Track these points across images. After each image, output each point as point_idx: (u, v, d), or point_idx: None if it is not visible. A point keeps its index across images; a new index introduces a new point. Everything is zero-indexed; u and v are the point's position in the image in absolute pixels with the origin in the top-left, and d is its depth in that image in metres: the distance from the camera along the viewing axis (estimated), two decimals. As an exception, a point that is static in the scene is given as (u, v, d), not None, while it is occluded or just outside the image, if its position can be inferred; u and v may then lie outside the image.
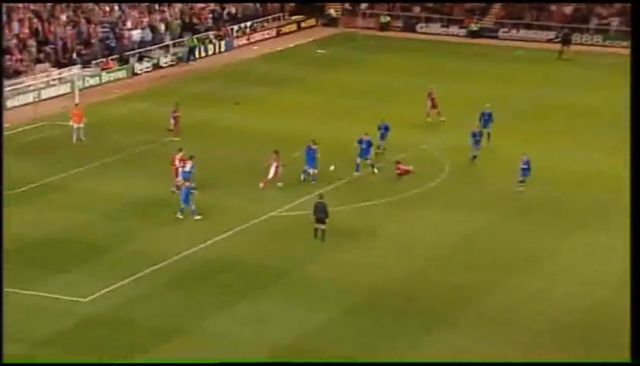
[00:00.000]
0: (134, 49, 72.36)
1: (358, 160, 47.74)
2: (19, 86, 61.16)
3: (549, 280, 37.25)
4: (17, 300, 35.52)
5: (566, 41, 75.90)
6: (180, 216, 42.56)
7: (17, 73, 63.38)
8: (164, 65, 72.70)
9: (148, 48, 73.25)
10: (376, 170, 47.89)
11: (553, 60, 74.93)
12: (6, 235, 40.89)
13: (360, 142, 47.70)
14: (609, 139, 53.35)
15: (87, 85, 65.01)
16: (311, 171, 46.68)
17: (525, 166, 45.50)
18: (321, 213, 40.13)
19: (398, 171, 47.42)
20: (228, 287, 36.80)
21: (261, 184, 45.03)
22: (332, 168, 43.56)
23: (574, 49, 76.40)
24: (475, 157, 49.50)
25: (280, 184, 45.50)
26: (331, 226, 40.76)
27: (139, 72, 70.73)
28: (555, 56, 75.07)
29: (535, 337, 32.99)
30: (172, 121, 54.16)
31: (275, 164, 45.36)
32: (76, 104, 54.99)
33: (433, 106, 56.94)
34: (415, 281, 37.23)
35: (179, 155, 46.08)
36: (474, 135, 49.59)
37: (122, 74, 69.36)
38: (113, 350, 32.23)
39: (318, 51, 77.98)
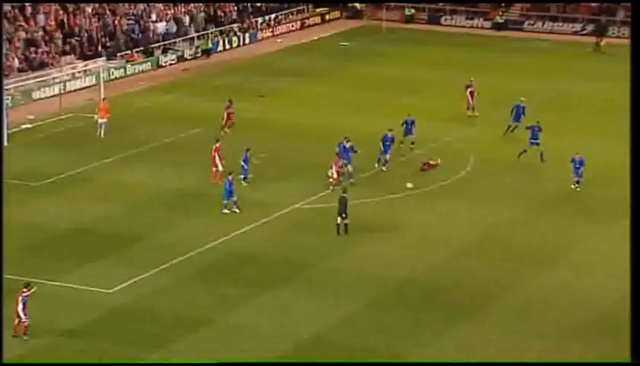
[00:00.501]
0: (159, 42, 72.57)
1: (387, 157, 47.42)
2: (45, 78, 61.46)
3: (576, 272, 37.15)
4: (44, 290, 35.71)
5: (602, 32, 75.40)
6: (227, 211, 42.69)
7: (43, 65, 63.73)
8: (189, 57, 72.87)
9: (173, 40, 73.43)
10: (384, 168, 47.55)
11: (579, 52, 74.49)
12: (33, 226, 41.36)
13: (385, 139, 47.46)
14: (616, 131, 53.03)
15: (112, 77, 65.23)
16: (349, 167, 46.08)
17: (578, 165, 44.77)
18: (342, 206, 40.12)
19: (425, 167, 47.35)
20: (253, 279, 36.91)
21: (331, 188, 44.57)
22: (409, 185, 43.51)
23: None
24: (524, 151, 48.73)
25: (331, 188, 44.87)
26: (356, 219, 40.80)
27: (163, 64, 70.92)
28: (589, 48, 74.39)
29: (562, 330, 32.90)
30: (226, 116, 53.48)
31: (335, 166, 44.80)
32: (103, 99, 55.08)
33: (472, 100, 56.46)
34: (440, 274, 37.23)
35: (217, 145, 46.38)
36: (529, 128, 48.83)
37: (147, 66, 69.57)
38: (138, 341, 32.40)
39: (342, 44, 77.91)
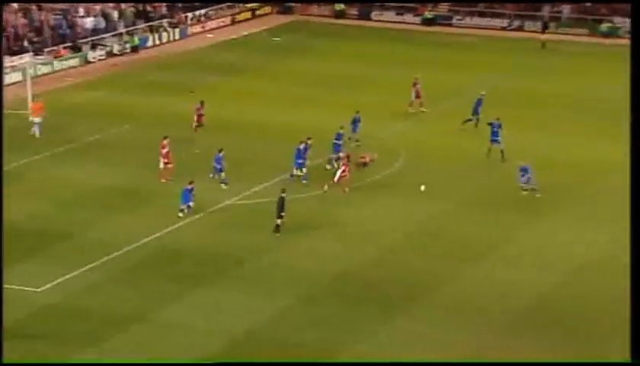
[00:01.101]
0: (87, 37, 71.61)
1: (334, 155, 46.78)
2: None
3: (507, 266, 37.41)
4: (-29, 290, 35.02)
5: (545, 28, 76.03)
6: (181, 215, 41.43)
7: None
8: (118, 53, 72.03)
9: (102, 36, 72.53)
10: (328, 167, 47.33)
11: (504, 48, 75.14)
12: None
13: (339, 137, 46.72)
14: (567, 125, 53.71)
15: (39, 73, 64.26)
16: (301, 170, 45.29)
17: (522, 173, 43.80)
18: (280, 206, 39.73)
19: (361, 160, 47.24)
20: (186, 275, 36.55)
21: (346, 189, 43.78)
22: (422, 188, 43.00)
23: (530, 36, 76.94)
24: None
25: (346, 189, 44.18)
26: (290, 215, 40.62)
27: (92, 60, 70.06)
28: (539, 43, 74.78)
29: (491, 323, 33.11)
30: (196, 118, 52.27)
31: (344, 167, 43.87)
32: (34, 99, 53.87)
33: (417, 96, 56.40)
34: (373, 269, 37.22)
35: (165, 141, 45.69)
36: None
37: (75, 62, 68.66)
38: (68, 339, 31.91)
39: (274, 39, 77.68)
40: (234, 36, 78.51)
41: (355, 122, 50.38)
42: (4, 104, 56.59)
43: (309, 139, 45.81)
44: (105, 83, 64.22)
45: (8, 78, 62.10)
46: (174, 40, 76.94)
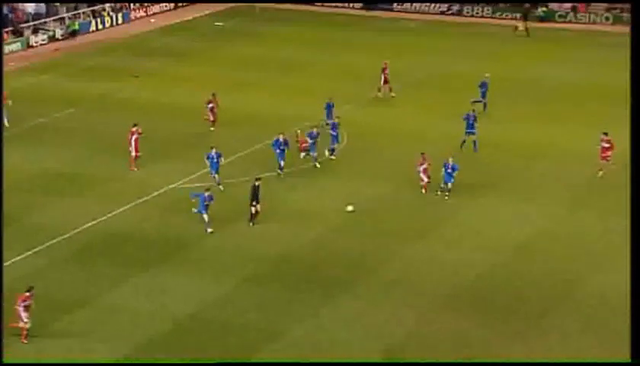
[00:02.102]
0: (28, 22, 70.74)
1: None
2: None
3: (446, 246, 37.80)
4: None
5: (527, 16, 75.98)
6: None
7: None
8: (60, 37, 71.32)
9: (44, 20, 71.71)
10: (333, 157, 46.47)
11: (444, 32, 75.58)
12: None
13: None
14: (506, 108, 54.20)
15: (-20, 57, 63.37)
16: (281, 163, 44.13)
17: (450, 171, 42.13)
18: (254, 194, 39.11)
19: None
20: (130, 259, 36.46)
21: (423, 190, 42.24)
22: (350, 208, 40.37)
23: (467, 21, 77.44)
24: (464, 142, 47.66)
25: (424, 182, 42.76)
26: (232, 199, 40.72)
27: (34, 44, 69.33)
28: (517, 30, 74.55)
29: (431, 301, 33.49)
30: (209, 112, 50.24)
31: (424, 165, 42.40)
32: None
33: (386, 81, 56.21)
34: (316, 250, 37.42)
35: (134, 129, 45.01)
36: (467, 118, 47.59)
37: (16, 46, 67.91)
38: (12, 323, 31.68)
39: (217, 24, 77.39)
40: (177, 21, 78.06)
41: (329, 107, 50.06)
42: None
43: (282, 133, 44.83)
44: (48, 68, 63.62)
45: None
46: (117, 25, 76.33)
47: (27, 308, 30.78)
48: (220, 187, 41.85)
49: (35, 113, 52.66)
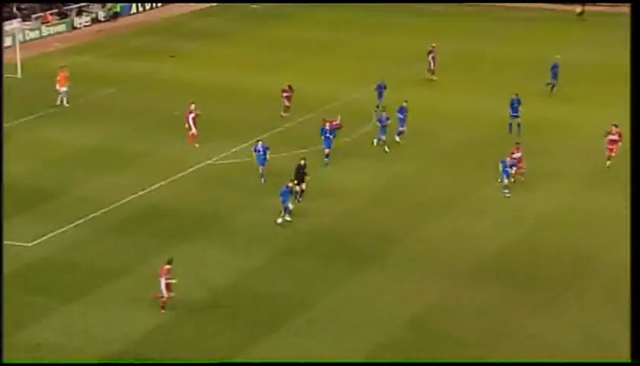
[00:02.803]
0: (73, 4, 71.03)
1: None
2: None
3: (469, 220, 37.80)
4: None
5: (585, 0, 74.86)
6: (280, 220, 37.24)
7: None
8: (103, 19, 71.59)
9: (87, 3, 72.00)
10: (387, 149, 45.08)
11: (477, 14, 75.02)
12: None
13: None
14: (530, 88, 53.77)
15: (27, 38, 63.85)
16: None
17: (508, 168, 39.92)
18: (297, 173, 38.75)
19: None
20: (168, 231, 36.74)
21: (522, 178, 40.84)
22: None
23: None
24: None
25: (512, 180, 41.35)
26: (266, 174, 40.89)
27: (78, 26, 69.62)
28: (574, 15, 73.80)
29: (454, 273, 33.57)
30: (285, 101, 48.85)
31: (519, 154, 40.80)
32: (61, 67, 53.06)
33: (433, 64, 55.33)
34: (345, 224, 37.52)
35: (192, 107, 44.88)
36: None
37: (61, 28, 68.21)
38: (57, 290, 32.12)
39: (252, 6, 77.30)
40: (213, 5, 78.03)
41: (380, 89, 49.60)
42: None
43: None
44: (91, 48, 63.90)
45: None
46: (156, 7, 76.46)
47: (168, 286, 30.58)
48: (262, 180, 41.01)
49: (79, 92, 52.95)
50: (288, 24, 71.30)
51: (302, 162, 39.15)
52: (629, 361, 24.03)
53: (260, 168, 41.04)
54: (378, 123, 45.34)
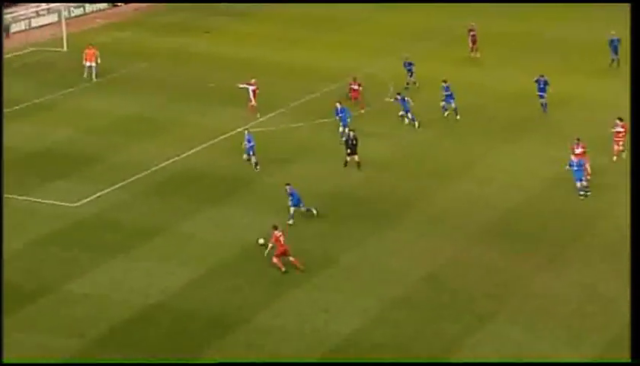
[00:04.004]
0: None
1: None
2: (13, 15, 59.85)
3: (479, 184, 37.61)
4: (15, 204, 35.37)
5: None
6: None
7: (12, 3, 61.88)
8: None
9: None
10: (416, 124, 43.68)
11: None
12: (5, 147, 40.62)
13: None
14: (528, 63, 53.32)
15: (72, 15, 63.74)
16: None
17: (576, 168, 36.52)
18: (348, 144, 38.21)
19: (353, 94, 46.99)
20: (201, 194, 36.75)
21: (621, 156, 38.69)
22: (261, 241, 31.84)
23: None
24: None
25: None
26: (288, 142, 40.78)
27: (118, 4, 69.35)
28: None
29: (466, 233, 33.45)
30: (354, 94, 45.78)
31: (578, 150, 37.14)
32: (89, 45, 52.67)
33: (474, 42, 54.29)
34: (364, 188, 37.42)
35: (253, 81, 44.62)
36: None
37: (103, 5, 68.01)
38: (100, 247, 32.25)
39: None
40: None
41: (407, 65, 48.77)
42: (39, 41, 56.49)
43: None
44: (130, 24, 63.72)
45: (44, 20, 61.83)
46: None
47: (277, 255, 30.32)
48: (343, 138, 39.56)
49: (119, 65, 52.96)
50: (312, 2, 70.52)
51: (352, 133, 38.59)
52: (629, 361, 23.38)
53: (252, 157, 38.78)
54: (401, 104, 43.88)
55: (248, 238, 32.88)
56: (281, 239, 30.53)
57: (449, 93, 44.66)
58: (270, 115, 44.77)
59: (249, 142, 38.94)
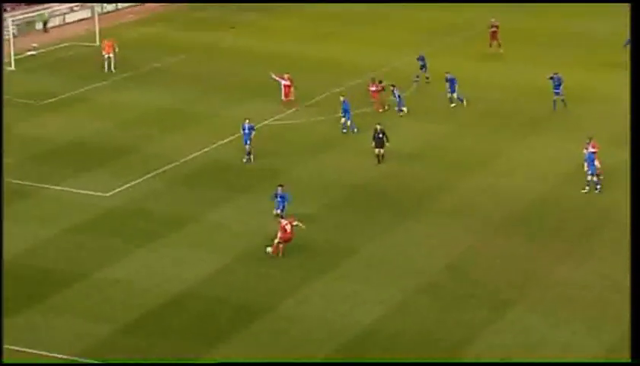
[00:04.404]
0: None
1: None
2: (47, 11, 60.18)
3: (500, 177, 37.46)
4: (50, 194, 35.65)
5: None
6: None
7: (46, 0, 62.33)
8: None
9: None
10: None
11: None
12: (38, 139, 41.00)
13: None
14: (549, 59, 52.95)
15: (105, 10, 64.03)
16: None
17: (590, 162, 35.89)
18: (375, 138, 38.19)
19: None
20: (230, 184, 36.87)
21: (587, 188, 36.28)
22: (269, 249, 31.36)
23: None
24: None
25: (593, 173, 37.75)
26: (314, 135, 40.75)
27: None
28: None
29: (486, 224, 33.35)
30: (374, 95, 44.58)
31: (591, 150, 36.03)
32: (107, 37, 52.64)
33: (494, 38, 53.70)
34: (387, 180, 37.36)
35: (287, 76, 44.91)
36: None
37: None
38: (132, 235, 32.45)
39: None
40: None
41: (421, 60, 48.61)
42: (74, 37, 56.78)
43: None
44: (159, 20, 63.86)
45: (78, 15, 62.14)
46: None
47: (280, 241, 30.55)
48: (249, 157, 38.60)
49: (151, 59, 53.13)
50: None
51: (378, 127, 38.54)
52: (629, 361, 23.12)
53: (247, 147, 38.63)
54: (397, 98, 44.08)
55: (274, 227, 32.89)
56: (287, 227, 30.53)
57: (453, 85, 44.70)
58: (297, 107, 44.74)
59: (244, 129, 38.46)
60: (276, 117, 44.02)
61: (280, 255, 30.68)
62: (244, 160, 38.65)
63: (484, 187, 36.55)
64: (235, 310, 27.80)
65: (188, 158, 39.19)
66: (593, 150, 36.16)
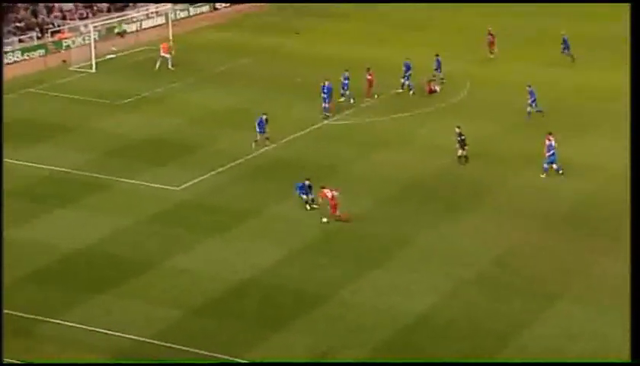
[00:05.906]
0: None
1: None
2: (125, 17, 60.86)
3: (549, 175, 36.66)
4: (124, 187, 35.99)
5: None
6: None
7: (124, 7, 62.93)
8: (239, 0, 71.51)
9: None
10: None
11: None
12: (115, 135, 41.44)
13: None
14: (604, 58, 51.70)
15: (178, 17, 64.45)
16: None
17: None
18: (459, 140, 37.76)
19: (428, 89, 46.49)
20: (290, 179, 36.58)
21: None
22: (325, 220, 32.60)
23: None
24: None
25: None
26: (371, 134, 40.45)
27: (218, 7, 69.83)
28: None
29: (532, 219, 32.82)
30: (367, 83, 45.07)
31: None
32: (164, 39, 53.26)
33: (491, 44, 52.96)
34: (440, 177, 36.95)
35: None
36: None
37: (205, 9, 68.52)
38: (200, 227, 32.60)
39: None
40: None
41: (437, 61, 48.10)
42: (149, 42, 57.23)
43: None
44: (229, 25, 64.06)
45: (152, 22, 62.62)
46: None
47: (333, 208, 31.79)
48: (254, 144, 39.10)
49: (220, 62, 53.33)
50: (392, 4, 69.64)
51: (458, 129, 37.94)
52: (629, 361, 22.23)
53: (259, 136, 39.18)
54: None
55: (331, 221, 32.76)
56: (328, 194, 30.95)
57: (533, 97, 42.78)
58: (355, 109, 44.43)
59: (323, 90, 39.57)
60: (335, 117, 43.79)
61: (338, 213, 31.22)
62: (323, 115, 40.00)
63: (533, 184, 35.90)
64: (294, 298, 27.77)
65: (252, 155, 39.23)
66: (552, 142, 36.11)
